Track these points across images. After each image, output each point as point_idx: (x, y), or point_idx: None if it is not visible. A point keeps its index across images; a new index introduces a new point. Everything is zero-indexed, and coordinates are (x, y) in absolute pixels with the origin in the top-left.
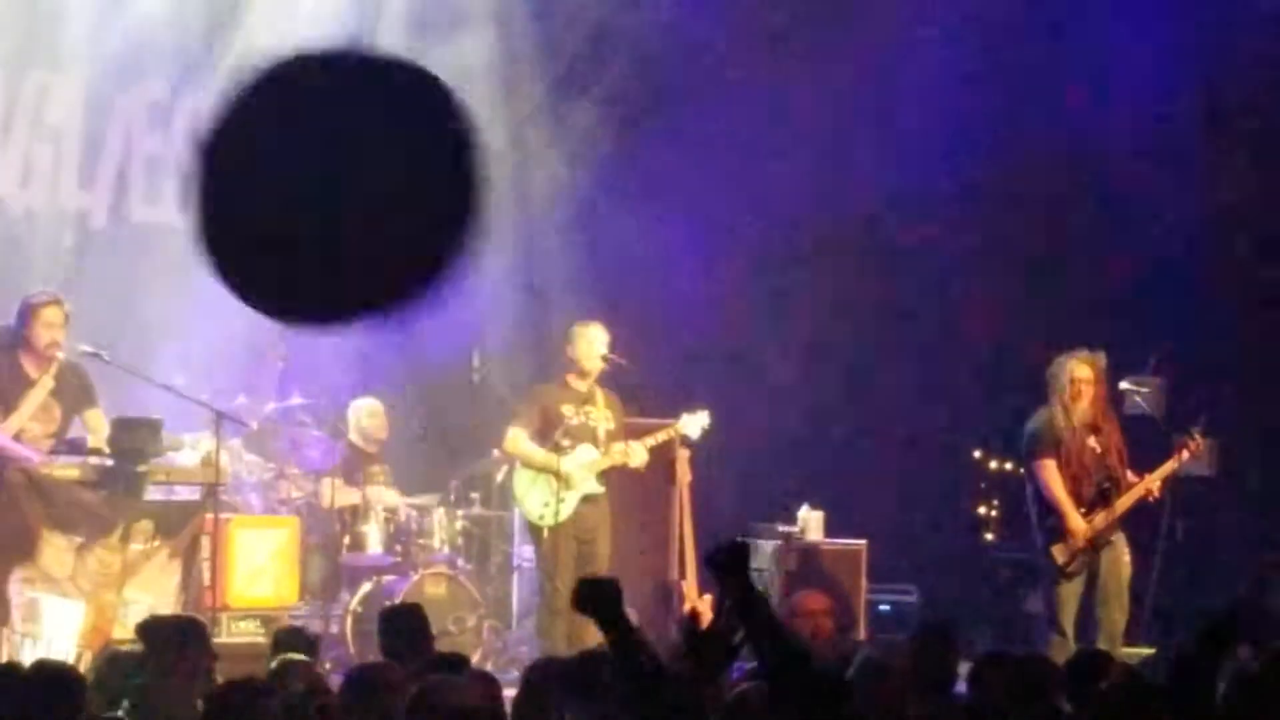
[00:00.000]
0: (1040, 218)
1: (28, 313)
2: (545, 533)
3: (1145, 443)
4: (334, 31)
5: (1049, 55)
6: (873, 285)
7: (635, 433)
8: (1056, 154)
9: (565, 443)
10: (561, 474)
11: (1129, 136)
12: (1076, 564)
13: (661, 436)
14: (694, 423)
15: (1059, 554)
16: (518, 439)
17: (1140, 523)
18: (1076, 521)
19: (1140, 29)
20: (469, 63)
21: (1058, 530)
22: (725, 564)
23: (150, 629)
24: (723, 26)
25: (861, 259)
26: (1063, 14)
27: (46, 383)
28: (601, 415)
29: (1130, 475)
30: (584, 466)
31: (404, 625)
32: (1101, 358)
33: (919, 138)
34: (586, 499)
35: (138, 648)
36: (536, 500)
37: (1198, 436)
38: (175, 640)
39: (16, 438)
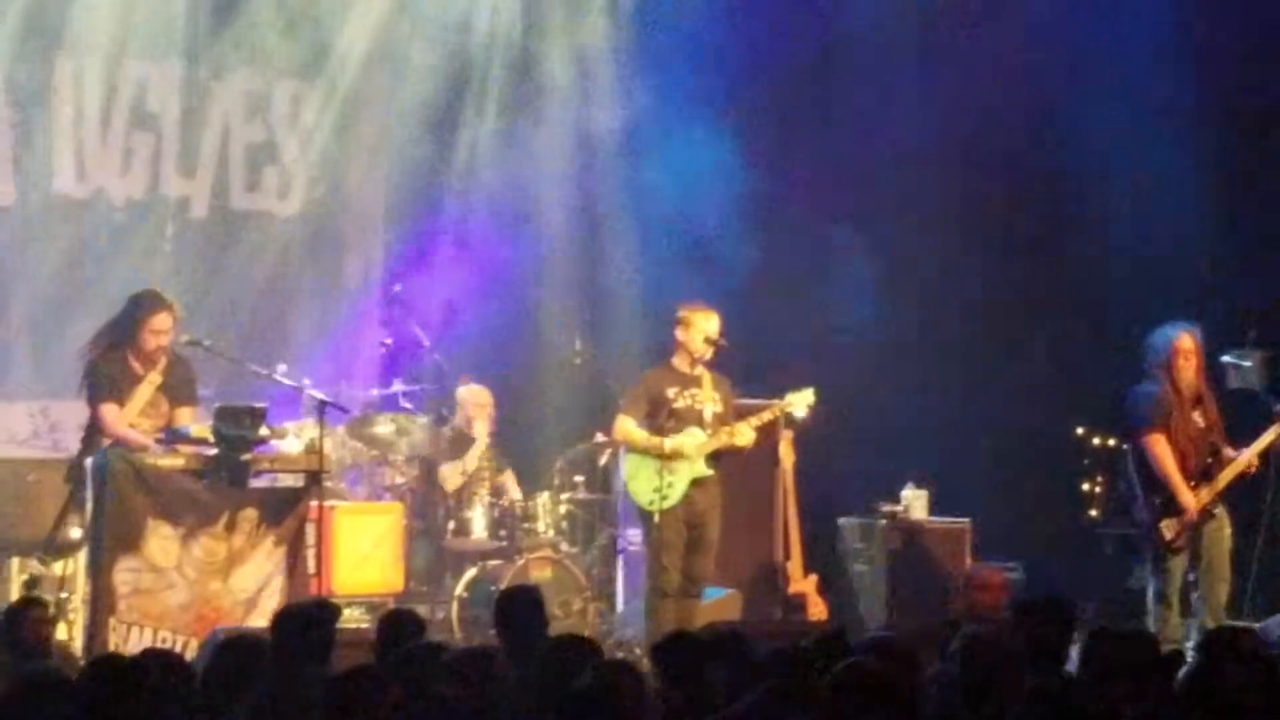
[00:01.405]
0: (1135, 190)
1: (136, 316)
2: (655, 516)
3: (1247, 417)
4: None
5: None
6: (976, 263)
7: (742, 413)
8: (1145, 129)
9: (669, 424)
10: (666, 452)
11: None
12: (1183, 539)
13: (767, 416)
14: (800, 400)
15: (1168, 529)
16: (626, 425)
17: (1243, 497)
18: (1188, 497)
19: None
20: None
21: (1167, 506)
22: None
23: (285, 616)
24: None
25: (967, 237)
26: None
27: (154, 379)
28: (708, 397)
29: (1228, 449)
30: (690, 449)
31: (522, 606)
32: (1197, 330)
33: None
34: (696, 482)
35: (261, 634)
36: (646, 485)
37: None
38: (305, 624)
39: None
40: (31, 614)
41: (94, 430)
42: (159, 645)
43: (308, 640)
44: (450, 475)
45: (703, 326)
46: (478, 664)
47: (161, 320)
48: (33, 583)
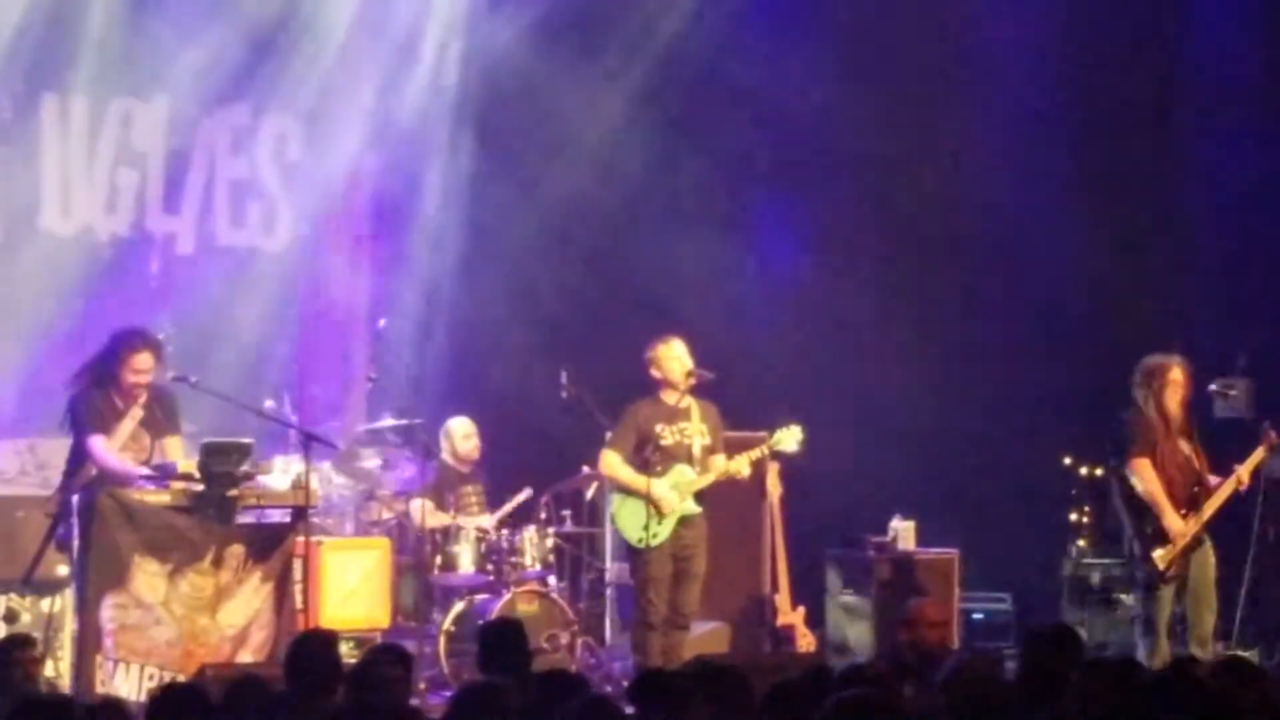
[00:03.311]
0: (1123, 222)
1: (118, 354)
2: (643, 551)
3: (1235, 444)
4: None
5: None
6: (959, 292)
7: (730, 448)
8: (1142, 154)
9: (654, 458)
10: (654, 497)
11: (1227, 137)
12: (1176, 567)
13: (755, 455)
14: (789, 438)
15: (1162, 560)
16: (612, 461)
17: (1232, 526)
18: (1177, 522)
19: None
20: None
21: (1159, 534)
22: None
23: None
24: None
25: (947, 266)
26: None
27: (136, 413)
28: (696, 430)
29: (1212, 477)
30: (679, 488)
31: (503, 640)
32: (1186, 361)
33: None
34: (684, 519)
35: (264, 672)
36: (634, 523)
37: (1271, 430)
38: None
39: None
40: (20, 653)
41: (76, 464)
42: (147, 681)
43: (318, 673)
44: (435, 516)
45: (674, 356)
46: (483, 696)
47: (143, 360)
48: (10, 616)
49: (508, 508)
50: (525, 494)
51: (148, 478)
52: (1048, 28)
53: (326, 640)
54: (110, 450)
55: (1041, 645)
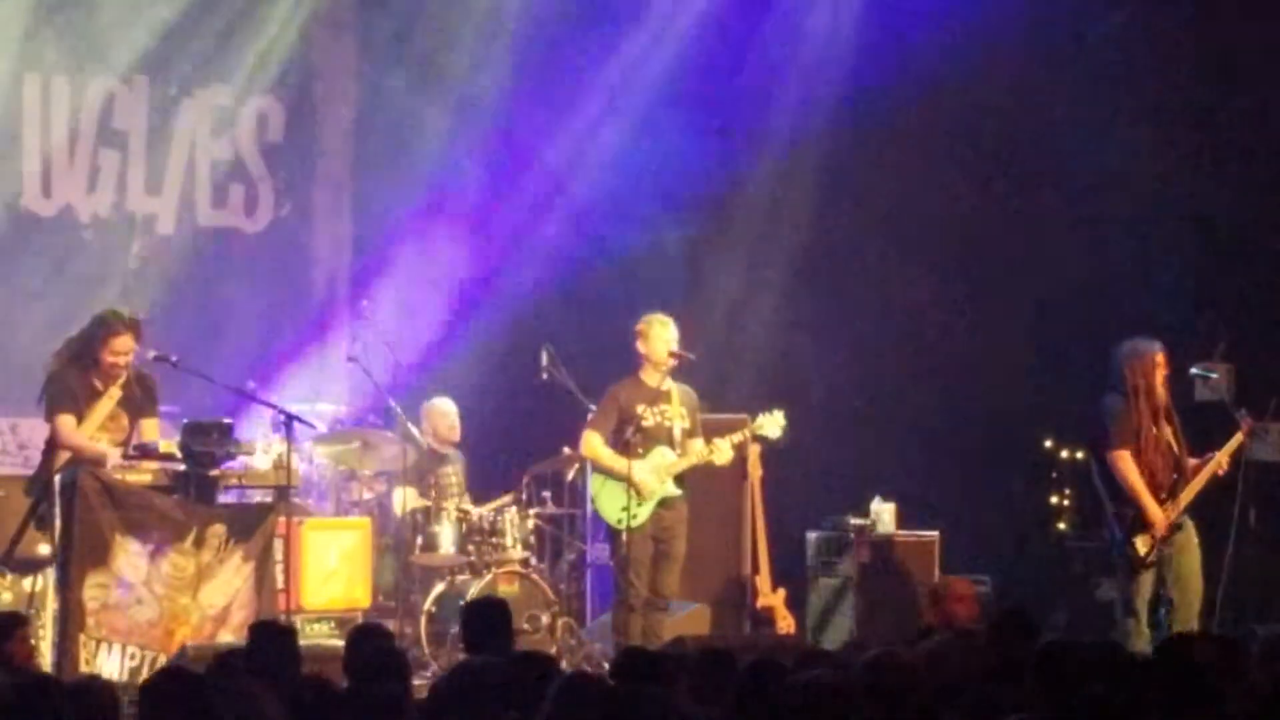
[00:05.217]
0: (1108, 203)
1: (99, 336)
2: (623, 533)
3: (1215, 429)
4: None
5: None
6: (940, 275)
7: (709, 430)
8: (1108, 142)
9: (635, 439)
10: (635, 482)
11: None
12: (1155, 553)
13: (737, 438)
14: (772, 423)
15: (1141, 545)
16: (593, 442)
17: (1214, 510)
18: (1157, 513)
19: None
20: None
21: (1138, 521)
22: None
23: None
24: None
25: (929, 247)
26: None
27: (114, 393)
28: (676, 413)
29: (1191, 460)
30: (660, 470)
31: (488, 618)
32: (1164, 346)
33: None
34: (664, 501)
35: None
36: (614, 504)
37: (1248, 417)
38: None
39: None
40: (22, 631)
41: (55, 444)
42: (128, 661)
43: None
44: (407, 498)
45: (662, 336)
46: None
47: (123, 343)
48: None
49: (491, 506)
50: (509, 498)
51: (128, 457)
52: None
53: (283, 630)
54: (75, 431)
55: (1006, 629)
